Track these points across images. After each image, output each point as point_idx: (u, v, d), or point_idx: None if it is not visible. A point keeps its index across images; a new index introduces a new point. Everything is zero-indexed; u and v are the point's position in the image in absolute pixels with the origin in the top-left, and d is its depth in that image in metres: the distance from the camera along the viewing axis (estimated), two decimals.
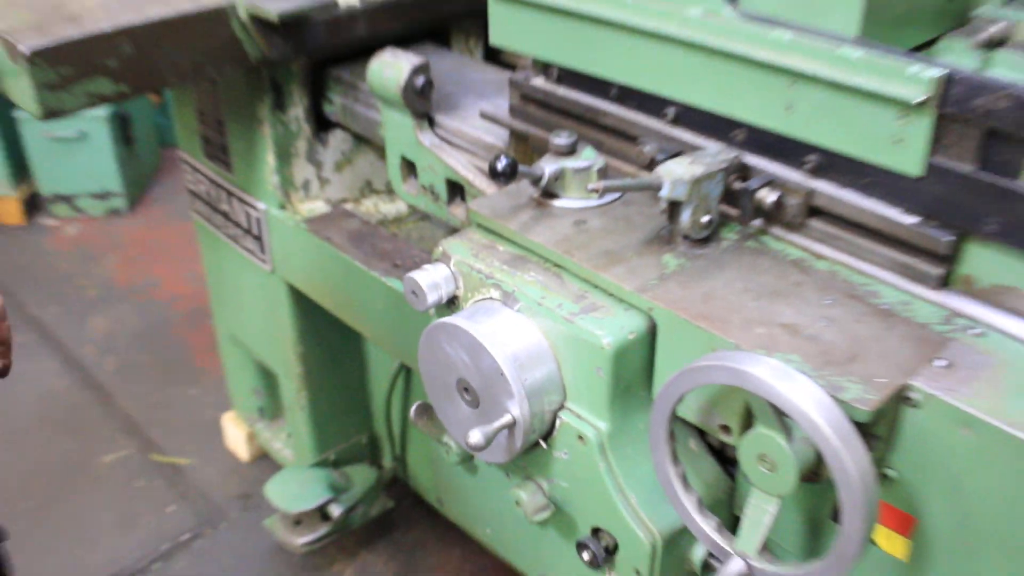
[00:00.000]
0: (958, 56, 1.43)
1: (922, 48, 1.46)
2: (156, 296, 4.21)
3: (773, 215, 1.46)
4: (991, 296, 1.31)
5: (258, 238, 2.46)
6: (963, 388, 1.17)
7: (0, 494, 3.10)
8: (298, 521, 2.75)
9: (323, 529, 2.74)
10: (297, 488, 2.73)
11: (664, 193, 1.41)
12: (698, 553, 1.49)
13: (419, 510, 2.91)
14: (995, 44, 1.41)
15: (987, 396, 1.16)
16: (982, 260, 1.31)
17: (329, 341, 2.65)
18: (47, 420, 3.46)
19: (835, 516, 1.23)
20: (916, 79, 1.23)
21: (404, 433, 2.74)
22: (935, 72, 1.22)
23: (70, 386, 3.67)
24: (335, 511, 2.70)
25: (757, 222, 1.49)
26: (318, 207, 2.40)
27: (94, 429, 3.46)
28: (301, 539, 2.74)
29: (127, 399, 3.58)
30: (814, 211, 1.44)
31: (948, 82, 1.22)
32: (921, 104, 1.24)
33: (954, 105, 1.23)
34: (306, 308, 2.54)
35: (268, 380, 2.94)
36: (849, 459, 1.10)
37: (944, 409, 1.16)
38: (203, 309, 3.18)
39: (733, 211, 1.52)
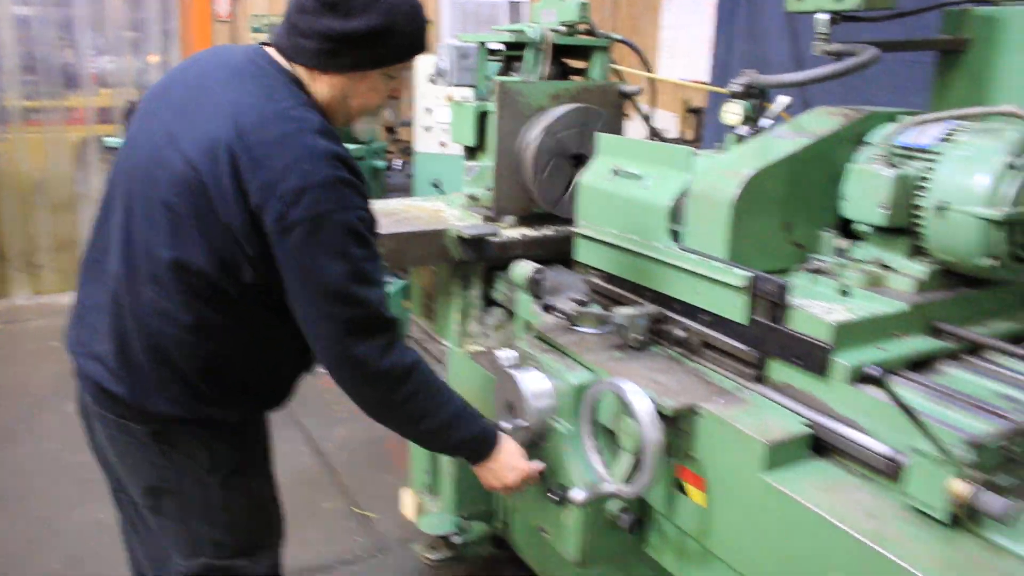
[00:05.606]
0: (799, 277, 2.36)
1: (782, 271, 2.37)
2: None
3: (683, 343, 2.45)
4: (782, 389, 2.18)
5: (441, 363, 3.60)
6: (728, 410, 2.10)
7: None
8: (433, 546, 3.71)
9: (447, 553, 3.67)
10: (437, 524, 3.63)
11: (619, 322, 2.48)
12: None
13: (515, 563, 3.63)
14: (820, 273, 2.35)
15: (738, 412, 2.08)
16: (774, 369, 2.21)
17: None
18: (295, 477, 4.52)
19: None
20: (740, 276, 2.22)
21: (508, 509, 3.56)
22: (748, 274, 2.21)
23: (312, 463, 4.83)
24: (456, 541, 3.60)
25: (678, 348, 2.48)
26: (478, 348, 3.48)
27: (322, 489, 4.56)
28: (432, 555, 3.69)
29: (348, 476, 4.71)
30: (704, 343, 2.40)
31: (754, 279, 2.20)
32: (743, 288, 2.22)
33: (757, 290, 2.20)
34: None
35: (435, 467, 3.78)
36: (651, 429, 2.08)
37: (713, 419, 2.10)
38: None
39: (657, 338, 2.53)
